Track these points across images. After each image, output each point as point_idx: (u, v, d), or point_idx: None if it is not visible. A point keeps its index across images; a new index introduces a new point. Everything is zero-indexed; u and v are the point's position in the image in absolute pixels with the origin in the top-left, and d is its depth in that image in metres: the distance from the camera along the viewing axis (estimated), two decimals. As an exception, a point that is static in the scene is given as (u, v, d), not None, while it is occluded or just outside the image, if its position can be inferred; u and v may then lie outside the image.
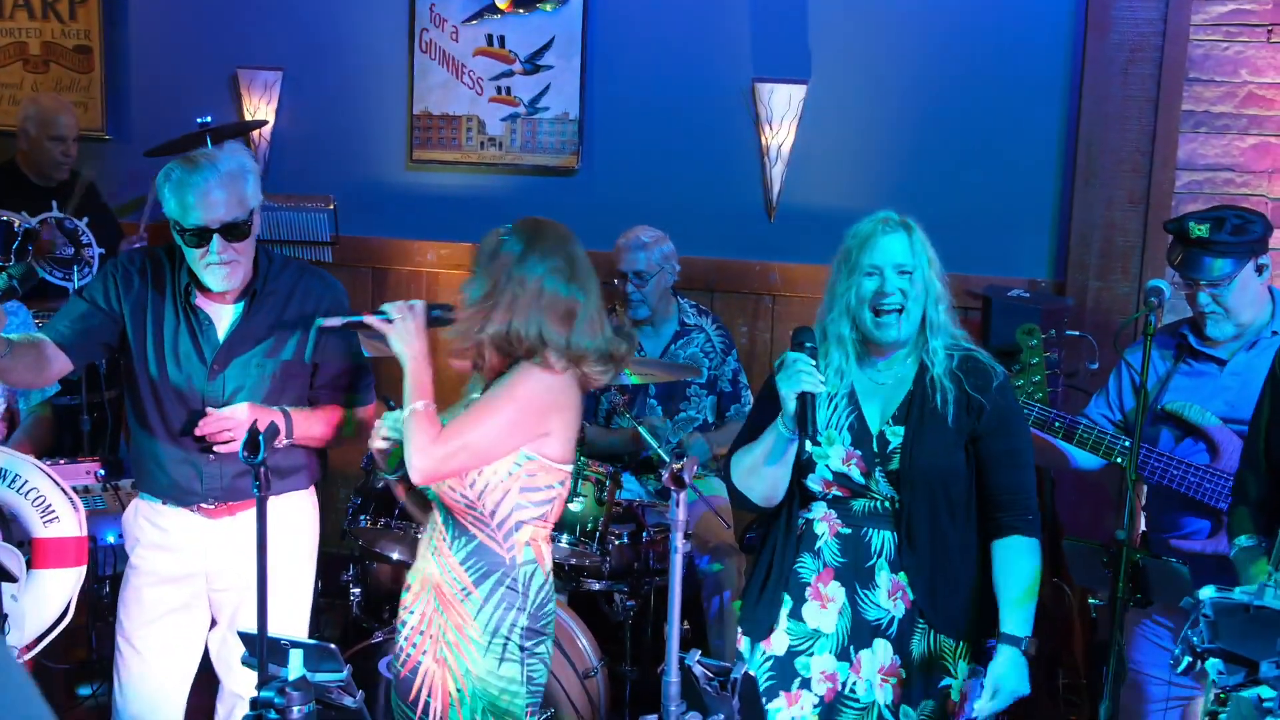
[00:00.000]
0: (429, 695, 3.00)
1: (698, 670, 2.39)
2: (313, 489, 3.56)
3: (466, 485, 2.91)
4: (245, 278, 3.26)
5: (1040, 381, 3.63)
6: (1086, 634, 4.32)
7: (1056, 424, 3.41)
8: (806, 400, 2.85)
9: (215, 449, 3.20)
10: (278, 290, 3.34)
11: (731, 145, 5.30)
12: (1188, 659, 2.33)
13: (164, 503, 3.38)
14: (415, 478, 2.90)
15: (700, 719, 2.38)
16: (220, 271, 3.19)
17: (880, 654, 3.00)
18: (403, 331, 2.96)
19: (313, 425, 3.35)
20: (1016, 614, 2.95)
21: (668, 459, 4.15)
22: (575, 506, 4.05)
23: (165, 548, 3.40)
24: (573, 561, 4.17)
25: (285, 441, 3.24)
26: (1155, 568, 3.16)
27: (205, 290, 3.28)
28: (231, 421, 3.17)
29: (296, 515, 3.47)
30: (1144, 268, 4.88)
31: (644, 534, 4.31)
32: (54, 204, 5.09)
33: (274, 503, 3.33)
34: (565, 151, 5.48)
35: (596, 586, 4.29)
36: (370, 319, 2.97)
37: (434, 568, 3.01)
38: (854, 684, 3.01)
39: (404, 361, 2.94)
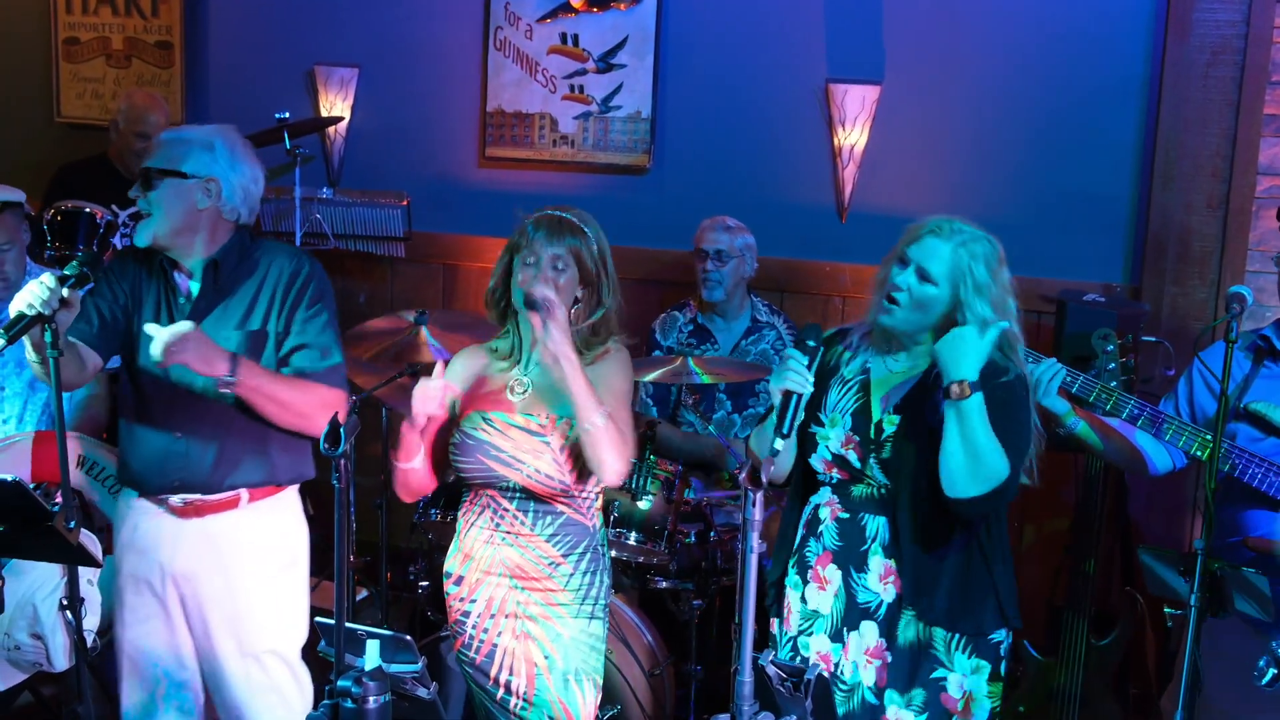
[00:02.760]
0: (510, 673, 3.12)
1: (771, 670, 2.38)
2: (293, 492, 3.44)
3: (565, 471, 3.05)
4: (161, 235, 3.20)
5: (1115, 388, 3.59)
6: (1159, 644, 4.26)
7: (1135, 412, 3.38)
8: (790, 398, 2.87)
9: (160, 365, 3.04)
10: (248, 266, 3.30)
11: (804, 146, 5.28)
12: (1273, 671, 2.29)
13: (137, 496, 3.31)
14: (614, 481, 3.03)
15: (772, 719, 2.38)
16: (141, 224, 3.23)
17: (866, 636, 3.05)
18: (560, 328, 2.95)
19: (265, 380, 3.17)
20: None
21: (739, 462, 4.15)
22: (644, 505, 4.07)
23: (135, 548, 3.33)
24: (640, 560, 4.18)
25: (230, 383, 3.08)
26: (1234, 578, 3.11)
27: (179, 267, 3.28)
28: (173, 336, 2.99)
29: (265, 521, 3.36)
30: (1222, 273, 4.81)
31: (712, 533, 4.31)
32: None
33: (247, 508, 3.29)
34: (637, 150, 5.49)
35: (664, 585, 4.29)
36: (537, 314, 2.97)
37: (508, 553, 3.09)
38: (842, 666, 3.07)
39: (566, 365, 2.95)
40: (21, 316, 2.87)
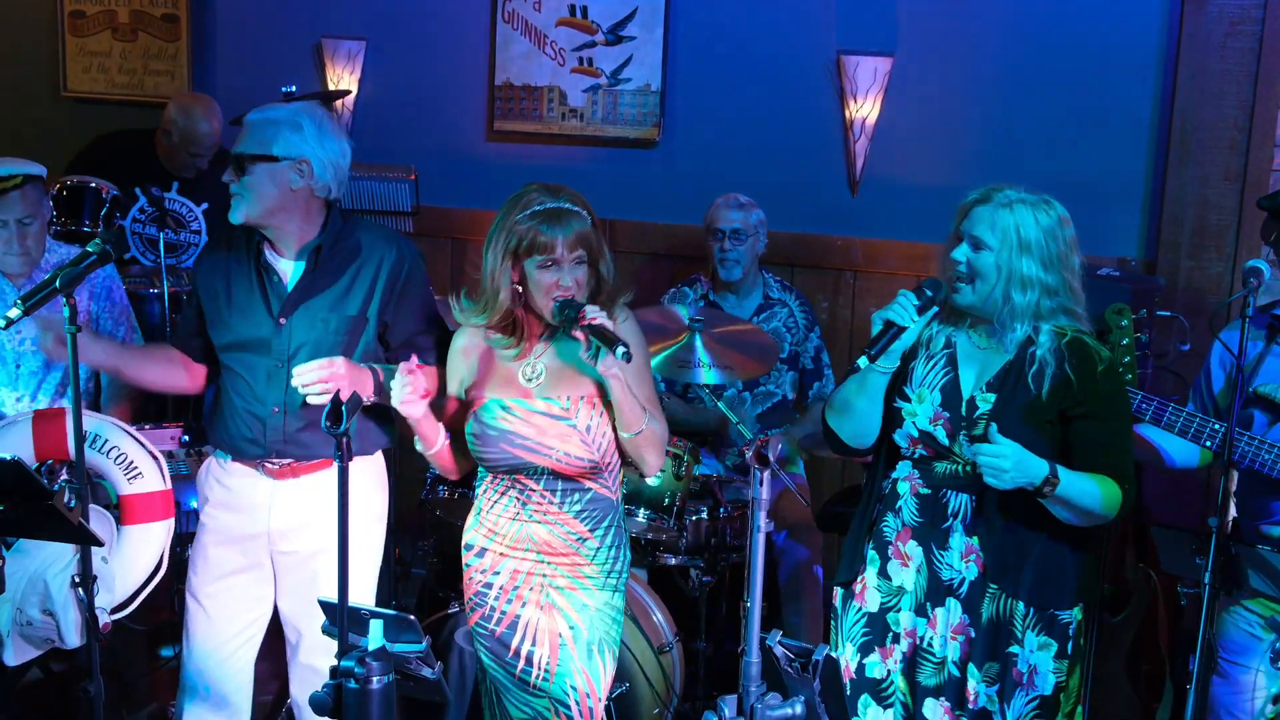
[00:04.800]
0: (533, 644, 3.12)
1: (779, 651, 2.36)
2: (379, 455, 3.55)
3: (594, 450, 3.05)
4: (254, 216, 3.27)
5: (1130, 363, 3.55)
6: (1171, 622, 4.24)
7: (1143, 406, 3.33)
8: (889, 329, 2.93)
9: (309, 399, 3.17)
10: (348, 248, 3.37)
11: (815, 119, 5.23)
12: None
13: (232, 459, 3.43)
14: (653, 474, 3.19)
15: (780, 700, 2.35)
16: (234, 202, 3.29)
17: (952, 613, 3.06)
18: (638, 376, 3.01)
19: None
20: (1070, 474, 2.90)
21: (749, 435, 4.12)
22: (653, 481, 4.04)
23: (230, 507, 3.45)
24: (649, 536, 4.16)
25: (373, 398, 3.24)
26: (1248, 556, 3.09)
27: (275, 247, 3.36)
28: (327, 372, 3.14)
29: (360, 481, 3.39)
30: (1239, 247, 4.76)
31: (721, 510, 4.29)
32: (175, 185, 5.14)
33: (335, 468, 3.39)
34: (646, 124, 5.44)
35: (673, 561, 4.28)
36: (612, 359, 2.90)
37: (536, 530, 3.09)
38: (930, 639, 3.08)
39: (615, 384, 2.96)
40: (39, 288, 2.99)
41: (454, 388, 3.19)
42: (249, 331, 3.34)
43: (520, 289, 3.03)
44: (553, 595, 3.10)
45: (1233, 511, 3.51)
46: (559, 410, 3.05)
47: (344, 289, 3.34)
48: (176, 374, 3.50)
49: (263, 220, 3.29)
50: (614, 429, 3.07)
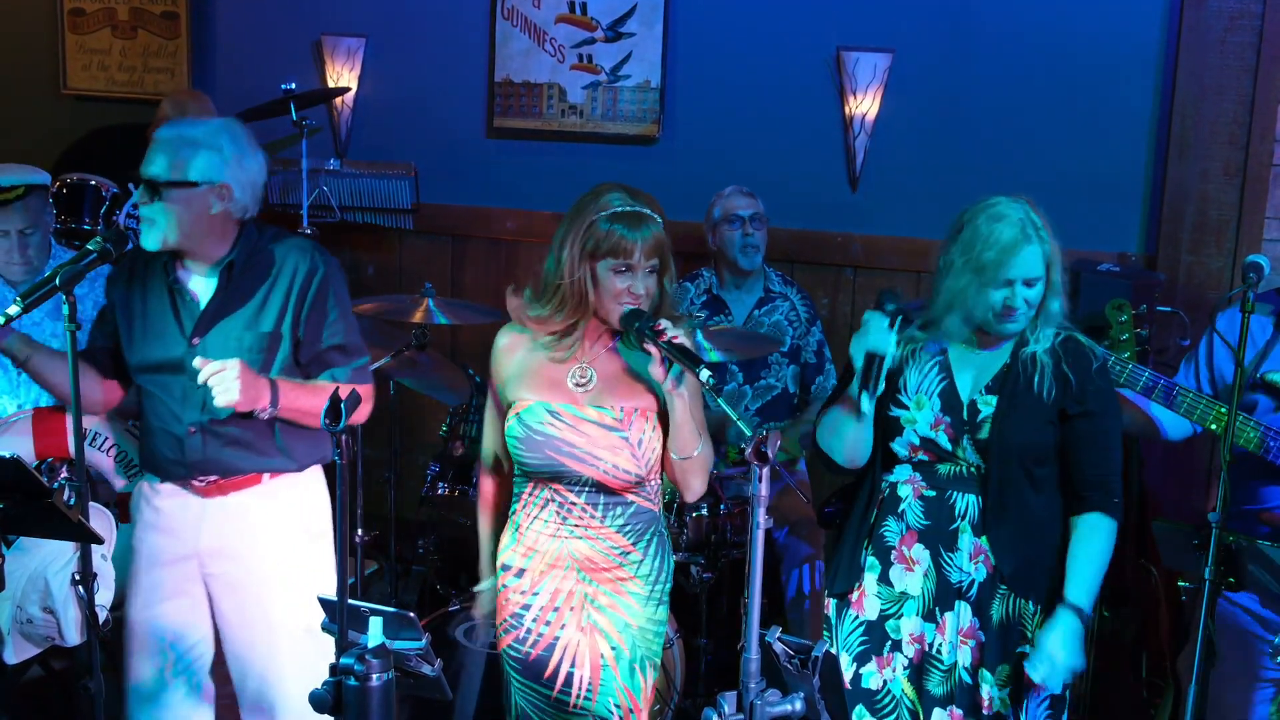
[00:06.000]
0: (573, 665, 3.01)
1: (778, 648, 2.35)
2: (317, 470, 3.41)
3: (642, 465, 2.95)
4: (171, 242, 3.15)
5: (1129, 358, 3.55)
6: (1173, 617, 4.23)
7: (1149, 382, 3.34)
8: (872, 360, 2.90)
9: (215, 400, 3.01)
10: (261, 263, 3.23)
11: (815, 115, 5.23)
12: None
13: (160, 481, 3.31)
14: (693, 499, 3.12)
15: (779, 696, 2.35)
16: (145, 226, 3.15)
17: (961, 616, 3.04)
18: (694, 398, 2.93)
19: (301, 397, 3.16)
20: (1083, 585, 2.97)
21: (749, 433, 4.11)
22: (653, 478, 4.04)
23: (159, 529, 3.32)
24: (650, 533, 4.16)
25: (270, 412, 3.10)
26: (1249, 551, 3.08)
27: (184, 265, 3.24)
28: (219, 365, 3.00)
29: (291, 498, 3.34)
30: (1239, 242, 4.75)
31: (721, 507, 4.29)
32: None
33: (270, 484, 3.29)
34: (646, 120, 5.44)
35: (674, 558, 4.27)
36: (694, 379, 2.81)
37: (578, 545, 2.98)
38: (939, 645, 3.06)
39: (679, 402, 2.88)
40: (39, 285, 2.95)
41: (500, 387, 3.05)
42: (162, 352, 3.21)
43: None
44: (594, 615, 2.99)
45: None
46: (611, 421, 2.93)
47: (258, 306, 3.21)
48: (90, 385, 3.28)
49: (179, 245, 3.17)
50: (664, 448, 2.97)
